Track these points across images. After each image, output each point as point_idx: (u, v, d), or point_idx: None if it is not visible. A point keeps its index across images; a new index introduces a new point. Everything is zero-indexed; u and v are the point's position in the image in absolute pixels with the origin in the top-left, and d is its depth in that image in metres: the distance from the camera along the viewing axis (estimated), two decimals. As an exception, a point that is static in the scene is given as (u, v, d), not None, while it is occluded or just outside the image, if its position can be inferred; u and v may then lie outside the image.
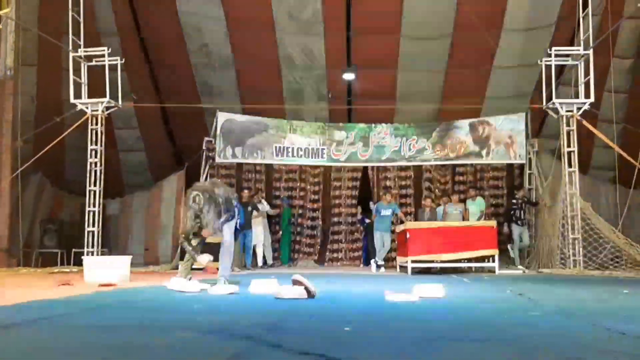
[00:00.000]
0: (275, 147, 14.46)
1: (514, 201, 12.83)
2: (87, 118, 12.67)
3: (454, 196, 13.10)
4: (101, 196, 12.71)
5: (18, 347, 2.69)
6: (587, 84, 11.92)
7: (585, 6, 11.84)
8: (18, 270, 11.03)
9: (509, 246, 12.66)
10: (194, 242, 6.95)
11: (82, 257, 8.69)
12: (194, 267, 11.75)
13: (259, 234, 13.62)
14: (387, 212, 12.38)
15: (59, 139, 12.51)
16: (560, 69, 12.98)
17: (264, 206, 13.80)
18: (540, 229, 12.85)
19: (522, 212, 12.67)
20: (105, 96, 12.55)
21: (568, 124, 12.25)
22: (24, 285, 6.91)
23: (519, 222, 12.55)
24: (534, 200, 13.33)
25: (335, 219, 15.25)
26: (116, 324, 3.47)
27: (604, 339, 2.89)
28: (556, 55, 12.22)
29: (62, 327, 3.36)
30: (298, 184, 15.21)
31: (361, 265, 14.29)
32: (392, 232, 12.78)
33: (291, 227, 14.72)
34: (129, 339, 2.88)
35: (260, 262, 13.59)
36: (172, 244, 14.36)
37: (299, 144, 14.43)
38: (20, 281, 7.73)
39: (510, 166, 14.64)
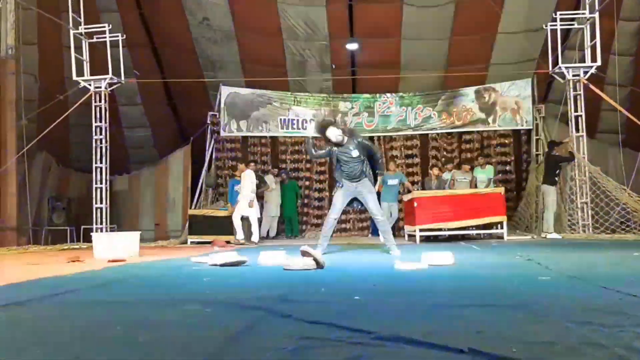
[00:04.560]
0: (280, 119, 14.45)
1: (558, 158, 11.73)
2: (91, 95, 12.67)
3: (464, 165, 13.04)
4: (107, 173, 12.77)
5: (29, 323, 2.70)
6: (593, 48, 11.82)
7: (590, -32, 11.69)
8: (27, 248, 11.10)
9: (544, 213, 11.62)
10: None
11: (91, 234, 8.72)
12: (201, 241, 11.88)
13: (274, 207, 13.77)
14: (394, 182, 12.36)
15: (63, 116, 12.53)
16: (566, 33, 12.84)
17: (271, 180, 13.85)
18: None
19: (560, 171, 11.79)
20: (107, 73, 12.52)
21: (575, 88, 12.18)
22: (34, 262, 6.94)
23: (557, 182, 11.67)
24: (569, 155, 12.03)
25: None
26: (126, 300, 3.48)
27: (614, 302, 2.88)
28: (561, 20, 12.10)
29: (72, 303, 3.37)
30: (304, 156, 15.20)
31: (369, 235, 14.33)
32: (399, 201, 12.77)
33: (297, 199, 14.65)
34: (140, 314, 2.89)
35: (265, 234, 13.73)
36: (182, 219, 14.44)
37: (304, 116, 14.41)
38: (29, 259, 7.77)
39: (517, 132, 14.58)
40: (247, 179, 11.64)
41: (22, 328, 2.57)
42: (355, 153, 7.33)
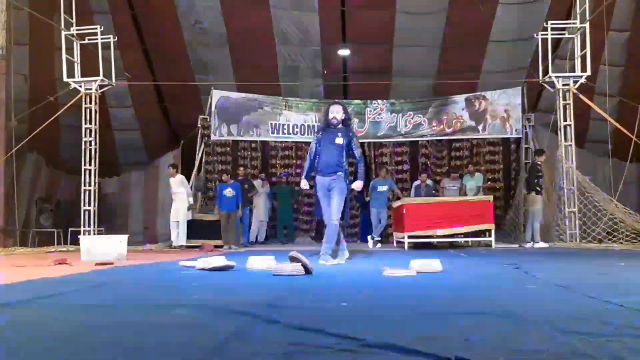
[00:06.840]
0: (271, 124, 14.45)
1: (539, 167, 11.69)
2: (81, 97, 12.63)
3: (453, 174, 13.08)
4: (96, 175, 12.72)
5: (14, 327, 2.68)
6: (583, 58, 11.90)
7: (581, -21, 11.78)
8: (14, 249, 11.02)
9: (530, 222, 11.53)
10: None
11: (79, 236, 8.68)
12: (189, 245, 11.86)
13: (262, 212, 13.88)
14: (383, 188, 12.38)
15: (53, 117, 12.47)
16: (557, 42, 12.92)
17: (259, 185, 13.90)
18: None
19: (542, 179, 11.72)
20: (98, 74, 12.49)
21: (564, 98, 12.25)
22: (20, 264, 6.90)
23: (541, 190, 11.61)
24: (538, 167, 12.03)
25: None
26: (113, 304, 3.46)
27: (601, 311, 2.89)
28: (552, 29, 12.18)
29: (58, 306, 3.35)
30: (294, 161, 15.20)
31: (358, 241, 14.33)
32: (389, 208, 12.79)
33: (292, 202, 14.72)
34: (127, 319, 2.87)
35: (253, 239, 13.87)
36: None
37: (295, 121, 14.42)
38: (16, 261, 7.72)
39: (506, 141, 14.64)
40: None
41: (7, 331, 2.55)
42: (340, 140, 6.79)
